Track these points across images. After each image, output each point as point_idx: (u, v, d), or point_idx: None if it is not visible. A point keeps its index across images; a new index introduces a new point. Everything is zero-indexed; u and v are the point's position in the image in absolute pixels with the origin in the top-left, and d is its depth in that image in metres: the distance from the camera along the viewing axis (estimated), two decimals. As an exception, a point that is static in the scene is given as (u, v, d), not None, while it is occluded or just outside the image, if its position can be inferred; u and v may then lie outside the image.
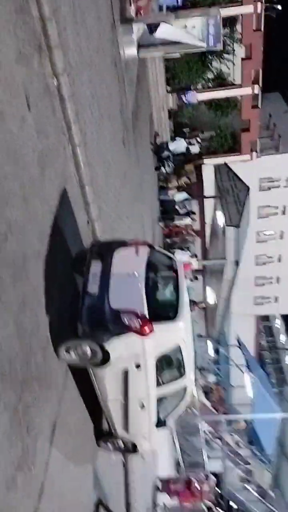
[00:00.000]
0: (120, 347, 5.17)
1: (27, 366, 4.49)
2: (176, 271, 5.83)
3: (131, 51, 12.19)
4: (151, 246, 5.96)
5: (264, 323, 42.75)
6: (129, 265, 5.57)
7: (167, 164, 19.69)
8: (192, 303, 14.34)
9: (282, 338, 42.88)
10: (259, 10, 20.82)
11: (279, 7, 21.11)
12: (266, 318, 41.32)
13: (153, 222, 17.42)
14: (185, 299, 5.69)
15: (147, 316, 5.11)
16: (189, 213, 21.02)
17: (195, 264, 20.50)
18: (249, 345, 32.06)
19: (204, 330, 28.18)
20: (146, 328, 5.03)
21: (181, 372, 5.80)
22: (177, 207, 20.75)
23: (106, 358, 5.19)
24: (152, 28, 11.87)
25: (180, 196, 20.46)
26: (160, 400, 5.94)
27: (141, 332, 5.05)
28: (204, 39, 11.71)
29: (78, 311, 5.20)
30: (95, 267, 5.55)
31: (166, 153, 19.34)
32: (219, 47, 12.37)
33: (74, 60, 6.68)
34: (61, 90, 6.18)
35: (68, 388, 5.65)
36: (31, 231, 4.84)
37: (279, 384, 40.13)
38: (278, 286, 29.67)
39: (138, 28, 12.05)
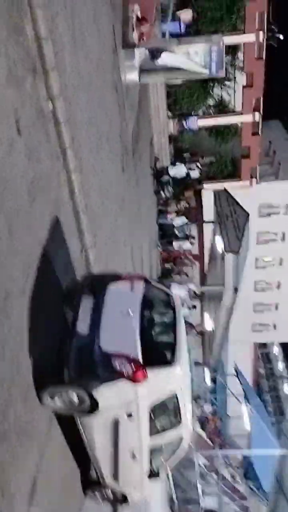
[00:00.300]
0: (110, 395, 4.66)
1: (4, 417, 3.98)
2: (173, 309, 5.36)
3: (132, 76, 11.99)
4: (147, 281, 5.51)
5: (262, 349, 41.97)
6: (123, 302, 5.11)
7: (167, 189, 19.43)
8: (189, 325, 13.84)
9: (280, 365, 42.05)
10: (261, 39, 20.89)
11: (281, 36, 21.19)
12: (263, 344, 40.57)
13: (151, 247, 17.01)
14: (183, 339, 5.21)
15: (141, 360, 4.62)
16: (188, 237, 20.67)
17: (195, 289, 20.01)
18: (247, 372, 31.28)
19: (201, 356, 27.50)
20: (139, 375, 4.54)
21: (177, 420, 5.27)
22: (176, 231, 20.42)
23: (94, 406, 4.68)
24: (154, 53, 11.68)
25: (179, 220, 20.13)
26: (153, 450, 5.40)
27: (133, 379, 4.55)
28: (207, 66, 11.50)
29: (65, 353, 4.71)
30: (86, 304, 5.08)
31: (166, 177, 19.10)
32: (222, 74, 12.18)
33: (71, 83, 6.36)
34: (57, 113, 5.83)
35: (52, 437, 5.12)
36: (15, 266, 4.39)
37: (276, 413, 39.20)
38: (277, 313, 29.08)
39: (140, 53, 11.88)
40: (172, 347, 5.02)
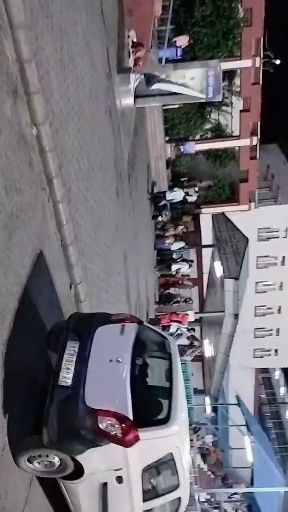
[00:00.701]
0: (97, 459, 4.04)
1: None
2: (170, 355, 4.77)
3: (127, 101, 11.68)
4: (140, 322, 4.93)
5: (263, 374, 40.93)
6: (112, 348, 4.52)
7: (164, 213, 19.00)
8: (188, 347, 13.25)
9: (282, 391, 40.96)
10: (257, 64, 20.86)
11: (277, 61, 21.16)
12: (265, 369, 39.60)
13: (149, 273, 16.46)
14: (180, 390, 4.60)
15: (132, 419, 4.01)
16: (186, 260, 20.10)
17: (191, 317, 19.36)
18: (249, 399, 30.34)
19: (201, 382, 26.63)
20: (130, 437, 3.92)
21: (175, 481, 4.62)
22: (174, 255, 19.89)
23: (79, 472, 4.06)
24: (150, 78, 11.37)
25: (177, 245, 19.63)
26: (148, 515, 4.73)
27: (123, 442, 3.94)
28: (204, 91, 11.19)
29: (46, 409, 4.10)
30: (71, 350, 4.49)
31: (163, 202, 18.69)
32: (219, 98, 11.87)
33: (59, 108, 5.92)
34: (42, 140, 5.35)
35: (33, 502, 4.45)
36: (-13, 312, 3.84)
37: (279, 440, 37.91)
38: (278, 338, 28.36)
39: (136, 78, 11.59)
40: (168, 399, 4.42)
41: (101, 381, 4.28)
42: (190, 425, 22.20)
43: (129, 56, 13.40)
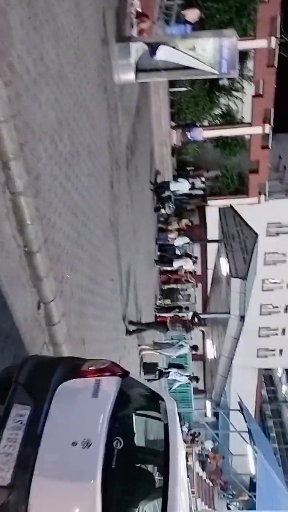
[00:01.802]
0: None
1: None
2: (167, 428, 3.16)
3: (128, 75, 9.95)
4: (124, 375, 3.33)
5: (265, 371, 39.54)
6: (78, 422, 2.95)
7: (168, 205, 17.33)
8: (193, 348, 11.80)
9: (284, 388, 39.58)
10: (273, 45, 18.96)
11: (295, 42, 19.25)
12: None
13: (148, 273, 14.86)
14: (180, 482, 3.02)
15: None
16: (190, 256, 18.42)
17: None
18: (251, 398, 28.96)
19: (201, 382, 25.20)
20: None
21: None
22: (177, 251, 18.24)
23: None
24: (154, 48, 9.63)
25: (180, 241, 17.98)
26: None
27: None
28: (216, 64, 9.44)
29: None
30: (17, 421, 2.92)
31: (167, 193, 16.99)
32: (234, 74, 10.13)
33: (24, 64, 4.27)
34: (4, 109, 3.74)
35: None
36: None
37: (280, 440, 36.63)
38: (283, 338, 26.82)
39: (138, 49, 9.84)
40: (162, 498, 2.87)
41: (56, 478, 2.72)
42: (188, 430, 20.92)
43: (132, 27, 11.65)
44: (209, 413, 21.70)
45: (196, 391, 23.01)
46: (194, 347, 11.40)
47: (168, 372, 11.67)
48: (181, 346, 11.13)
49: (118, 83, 9.57)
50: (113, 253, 8.51)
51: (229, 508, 20.92)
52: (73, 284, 5.58)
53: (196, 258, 18.89)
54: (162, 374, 11.59)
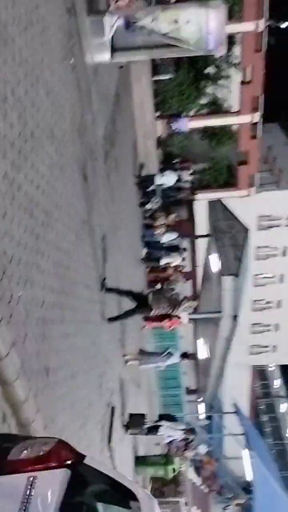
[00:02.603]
0: None
1: None
2: None
3: (101, 54, 8.76)
4: (76, 463, 2.15)
5: (257, 366, 38.78)
6: None
7: (153, 200, 16.16)
8: (184, 356, 10.55)
9: (276, 383, 38.90)
10: (261, 28, 17.81)
11: (283, 25, 18.14)
12: (260, 362, 37.35)
13: (133, 273, 13.73)
14: None
15: None
16: (178, 249, 17.27)
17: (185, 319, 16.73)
18: (244, 396, 28.08)
19: (194, 381, 24.22)
20: None
21: None
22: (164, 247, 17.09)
23: None
24: (131, 23, 8.44)
25: (168, 237, 16.85)
26: None
27: None
28: (202, 40, 8.29)
29: None
30: None
31: (152, 187, 15.83)
32: (221, 51, 8.99)
33: None
34: None
35: None
36: None
37: (274, 435, 35.97)
38: (277, 334, 25.92)
39: (112, 24, 8.64)
40: None
41: None
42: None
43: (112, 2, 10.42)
44: (202, 416, 20.70)
45: (189, 391, 22.04)
46: (185, 355, 10.29)
47: (158, 427, 9.63)
48: (170, 354, 10.02)
49: (91, 62, 8.36)
50: (89, 256, 7.36)
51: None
52: (29, 301, 4.42)
53: (184, 249, 17.63)
54: (151, 430, 9.60)
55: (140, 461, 11.10)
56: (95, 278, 7.77)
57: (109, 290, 8.24)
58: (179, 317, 15.97)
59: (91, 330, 7.22)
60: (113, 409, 8.32)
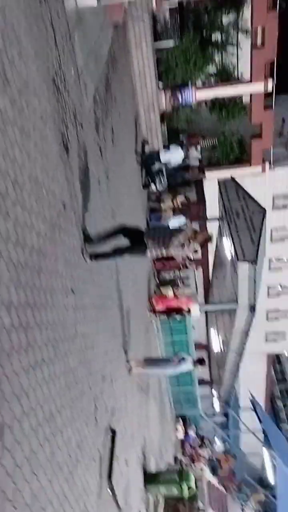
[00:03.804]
0: None
1: None
2: None
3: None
4: None
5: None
6: None
7: (159, 180, 14.36)
8: (198, 362, 8.77)
9: (292, 368, 37.24)
10: (274, -18, 15.66)
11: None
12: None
13: (138, 266, 12.04)
14: None
15: None
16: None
17: (196, 310, 15.08)
18: (260, 384, 26.58)
19: (207, 372, 22.70)
20: None
21: None
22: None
23: None
24: None
25: (175, 221, 15.09)
26: None
27: None
28: None
29: None
30: None
31: (157, 165, 14.00)
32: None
33: None
34: None
35: None
36: None
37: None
38: (294, 320, 24.21)
39: None
40: None
41: None
42: (196, 435, 18.52)
43: None
44: (217, 408, 19.20)
45: (202, 382, 20.52)
46: (200, 361, 8.62)
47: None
48: (182, 360, 8.39)
49: (73, 8, 6.53)
50: (71, 252, 5.65)
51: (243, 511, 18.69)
52: None
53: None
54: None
55: (151, 478, 9.60)
56: (81, 282, 6.09)
57: (98, 256, 6.05)
58: (190, 298, 14.38)
59: (77, 345, 5.57)
60: (114, 434, 6.74)
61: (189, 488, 9.53)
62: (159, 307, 13.64)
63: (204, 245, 6.54)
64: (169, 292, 14.13)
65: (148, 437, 10.78)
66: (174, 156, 13.59)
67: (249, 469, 19.30)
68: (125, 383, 7.98)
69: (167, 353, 14.90)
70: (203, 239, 6.41)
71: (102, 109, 8.31)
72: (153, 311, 13.37)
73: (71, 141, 5.75)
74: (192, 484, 9.55)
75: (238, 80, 18.13)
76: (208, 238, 6.75)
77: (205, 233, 6.88)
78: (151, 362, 8.52)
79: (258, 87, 17.67)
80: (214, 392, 19.04)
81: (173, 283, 16.05)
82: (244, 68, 18.32)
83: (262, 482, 19.17)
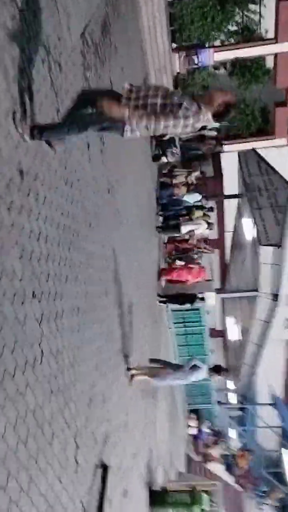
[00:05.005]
0: None
1: None
2: None
3: None
4: None
5: None
6: None
7: (171, 152, 12.47)
8: (214, 371, 7.11)
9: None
10: None
11: None
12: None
13: (145, 243, 10.35)
14: None
15: None
16: (202, 208, 13.52)
17: (212, 299, 13.40)
18: (279, 373, 24.93)
19: (222, 361, 21.18)
20: None
21: None
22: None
23: None
24: None
25: (190, 198, 13.31)
26: None
27: None
28: None
29: None
30: None
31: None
32: None
33: None
34: None
35: None
36: None
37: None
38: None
39: None
40: None
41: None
42: (212, 430, 17.10)
43: None
44: (233, 401, 17.69)
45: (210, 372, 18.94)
46: (217, 369, 6.96)
47: None
48: (195, 367, 6.77)
49: None
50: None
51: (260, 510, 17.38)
52: None
53: (211, 209, 13.90)
54: None
55: (159, 498, 8.14)
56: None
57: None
58: (203, 268, 12.67)
59: (46, 371, 3.97)
60: (105, 470, 5.21)
61: (202, 511, 8.05)
62: (170, 277, 12.14)
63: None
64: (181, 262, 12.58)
65: (155, 446, 9.31)
66: (188, 123, 11.63)
67: (267, 465, 17.93)
68: (123, 396, 6.42)
69: (180, 350, 13.37)
70: None
71: (95, 54, 6.50)
72: (164, 278, 11.91)
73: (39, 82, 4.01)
74: (206, 507, 8.06)
75: (262, 39, 15.91)
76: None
77: None
78: (156, 371, 6.91)
79: (284, 47, 15.50)
80: (230, 383, 17.51)
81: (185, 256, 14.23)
82: (268, 26, 16.08)
83: (281, 478, 17.77)
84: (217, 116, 3.41)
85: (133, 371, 6.86)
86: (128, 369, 6.82)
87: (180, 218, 13.13)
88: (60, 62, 4.77)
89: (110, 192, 6.68)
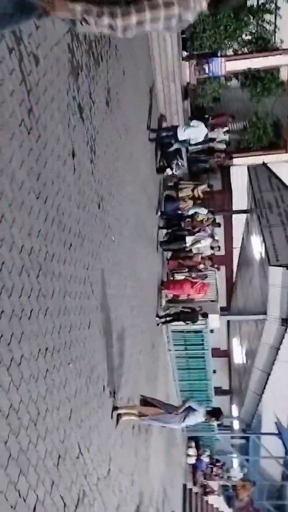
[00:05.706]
0: None
1: None
2: None
3: None
4: None
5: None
6: None
7: (177, 164, 11.70)
8: (211, 414, 6.11)
9: None
10: None
11: None
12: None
13: (147, 260, 9.49)
14: None
15: None
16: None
17: (216, 321, 12.51)
18: (286, 400, 23.71)
19: (226, 381, 20.14)
20: None
21: None
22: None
23: None
24: None
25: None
26: None
27: None
28: None
29: None
30: None
31: (175, 145, 11.34)
32: None
33: None
34: None
35: None
36: None
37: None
38: None
39: None
40: None
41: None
42: (210, 460, 16.06)
43: None
44: (236, 426, 16.60)
45: (219, 392, 17.94)
46: (215, 413, 6.04)
47: None
48: (191, 410, 5.86)
49: None
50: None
51: None
52: None
53: (218, 225, 13.05)
54: None
55: None
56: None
57: None
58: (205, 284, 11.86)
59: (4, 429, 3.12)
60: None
61: None
62: (171, 292, 11.42)
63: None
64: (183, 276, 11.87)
65: (146, 486, 8.37)
66: (195, 132, 10.87)
67: (269, 496, 16.76)
68: (105, 444, 5.53)
69: (180, 374, 12.45)
70: None
71: (88, 51, 5.74)
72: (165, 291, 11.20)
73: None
74: None
75: (276, 49, 15.15)
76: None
77: None
78: (146, 409, 6.01)
79: (300, 58, 14.72)
80: (234, 408, 16.46)
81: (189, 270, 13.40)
82: (283, 36, 15.33)
83: (284, 511, 16.60)
84: (213, 3, 2.33)
85: (121, 411, 5.98)
86: (115, 408, 5.94)
87: (186, 232, 12.36)
88: (37, 55, 3.99)
89: (101, 207, 5.87)
